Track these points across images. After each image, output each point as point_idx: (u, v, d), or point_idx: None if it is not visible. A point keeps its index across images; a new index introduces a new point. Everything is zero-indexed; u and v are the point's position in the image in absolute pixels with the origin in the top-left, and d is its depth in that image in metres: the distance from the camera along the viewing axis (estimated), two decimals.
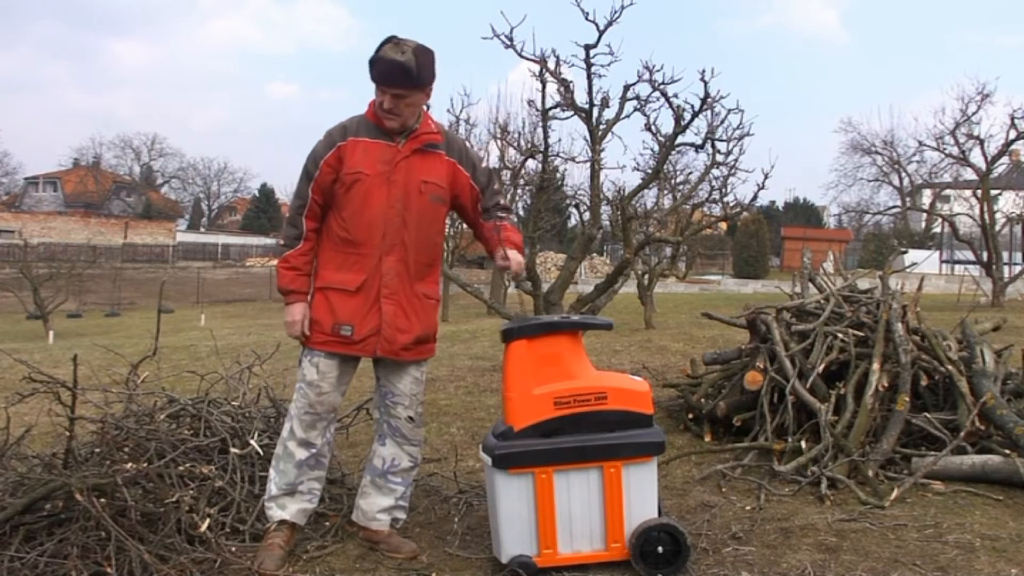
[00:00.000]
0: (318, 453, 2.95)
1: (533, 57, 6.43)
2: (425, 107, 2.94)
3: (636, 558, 2.68)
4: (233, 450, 3.27)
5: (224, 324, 16.52)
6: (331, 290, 2.89)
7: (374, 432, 3.14)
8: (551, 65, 6.46)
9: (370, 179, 2.83)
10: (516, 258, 2.93)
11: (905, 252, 23.58)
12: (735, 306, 10.01)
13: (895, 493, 3.40)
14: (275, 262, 3.07)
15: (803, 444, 3.90)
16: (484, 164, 3.11)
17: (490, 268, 22.29)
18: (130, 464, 2.93)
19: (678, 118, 6.73)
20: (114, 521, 2.61)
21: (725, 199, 9.15)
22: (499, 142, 10.83)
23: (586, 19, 6.17)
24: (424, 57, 2.76)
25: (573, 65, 6.49)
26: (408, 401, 2.98)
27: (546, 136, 7.14)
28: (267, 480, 2.99)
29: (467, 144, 3.09)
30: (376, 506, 3.01)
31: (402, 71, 2.72)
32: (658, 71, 6.52)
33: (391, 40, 2.75)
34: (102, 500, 2.64)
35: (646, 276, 12.72)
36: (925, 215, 28.88)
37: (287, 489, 2.92)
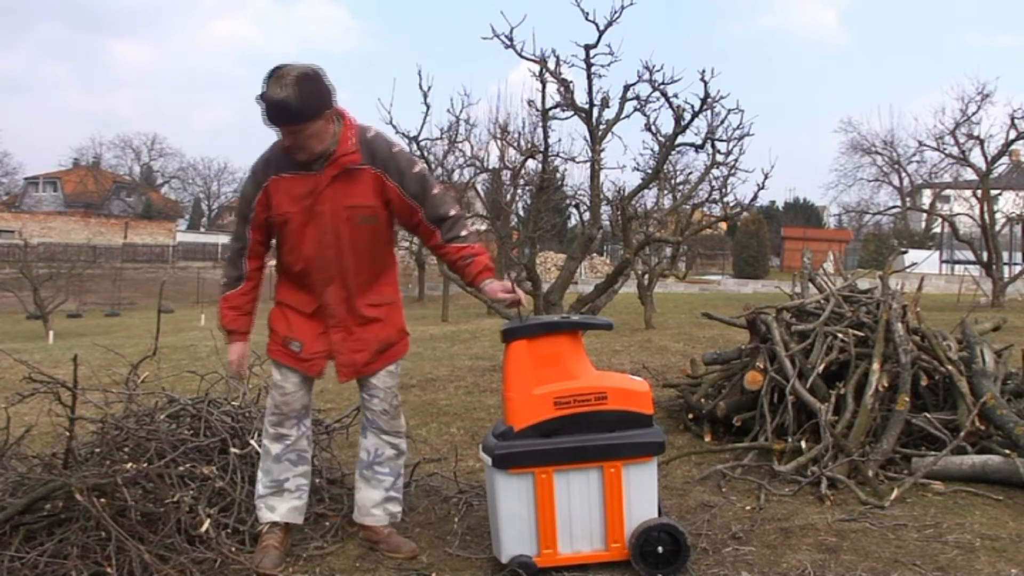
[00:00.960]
0: (294, 447, 2.94)
1: (533, 57, 6.44)
2: (338, 121, 2.74)
3: (636, 558, 2.68)
4: (233, 450, 3.27)
5: None
6: (288, 307, 2.94)
7: (360, 427, 3.16)
8: (551, 65, 6.48)
9: (297, 216, 2.77)
10: (507, 295, 2.81)
11: (905, 252, 23.58)
12: (735, 306, 10.00)
13: (895, 493, 3.40)
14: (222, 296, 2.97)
15: (803, 444, 3.90)
16: (417, 169, 2.82)
17: None
18: (130, 464, 2.93)
19: (678, 118, 6.74)
20: (114, 521, 2.61)
21: (725, 199, 9.17)
22: (499, 142, 10.82)
23: (586, 19, 6.19)
24: (306, 86, 2.56)
25: (573, 65, 6.51)
26: (382, 395, 2.97)
27: (546, 136, 7.15)
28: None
29: (395, 150, 2.80)
30: (368, 499, 3.01)
31: (284, 109, 2.55)
32: (658, 71, 6.54)
33: (274, 73, 2.57)
34: (102, 500, 2.64)
35: (646, 276, 12.72)
36: (925, 215, 28.87)
37: (273, 488, 2.92)
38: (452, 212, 2.85)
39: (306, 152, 2.68)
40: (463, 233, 2.84)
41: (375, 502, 3.01)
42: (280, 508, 2.91)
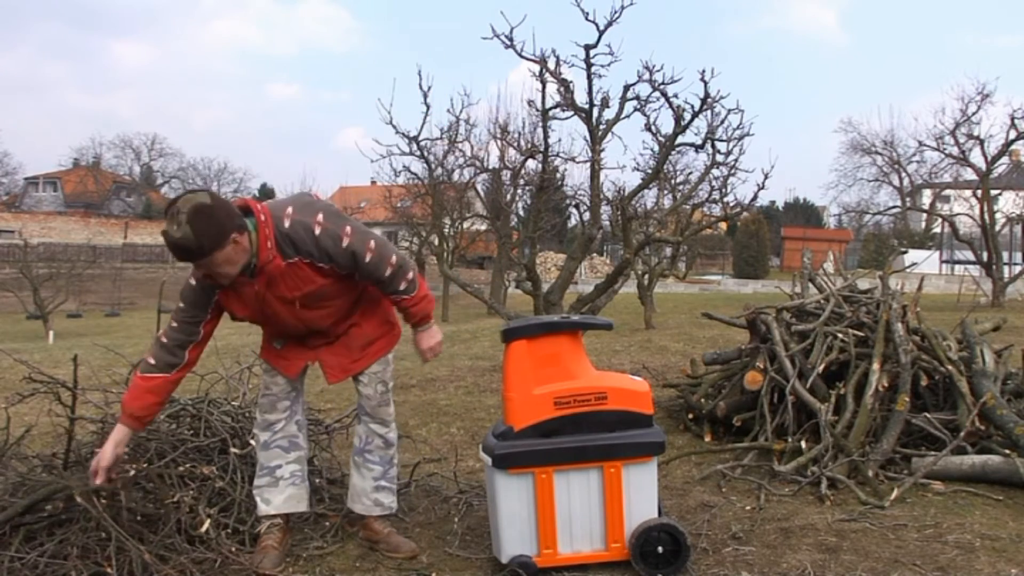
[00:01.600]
0: (283, 432, 2.95)
1: (533, 57, 6.45)
2: (252, 226, 2.58)
3: (636, 558, 2.68)
4: (233, 450, 3.27)
5: (224, 324, 16.46)
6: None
7: None
8: (551, 65, 6.49)
9: (253, 315, 2.77)
10: (432, 353, 3.01)
11: (905, 252, 23.59)
12: (735, 306, 10.01)
13: (895, 493, 3.40)
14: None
15: (803, 444, 3.90)
16: (345, 244, 2.65)
17: (490, 268, 22.30)
18: (130, 465, 2.93)
19: (678, 118, 6.75)
20: (114, 521, 2.61)
21: (725, 199, 9.17)
22: (499, 142, 10.84)
23: (586, 19, 6.20)
24: (201, 220, 2.42)
25: (573, 65, 6.52)
26: (368, 379, 2.97)
27: (546, 136, 7.16)
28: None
29: (317, 233, 2.61)
30: (358, 487, 3.02)
31: (183, 249, 2.45)
32: (658, 71, 6.55)
33: (167, 210, 2.48)
34: (102, 500, 2.64)
35: (646, 276, 12.72)
36: (925, 215, 28.86)
37: (267, 477, 2.92)
38: (386, 274, 2.75)
39: (225, 278, 2.58)
40: (401, 287, 2.82)
41: (364, 491, 3.01)
42: (275, 500, 2.90)
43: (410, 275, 2.83)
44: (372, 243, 2.71)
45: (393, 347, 3.05)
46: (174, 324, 2.72)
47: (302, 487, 2.97)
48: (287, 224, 2.62)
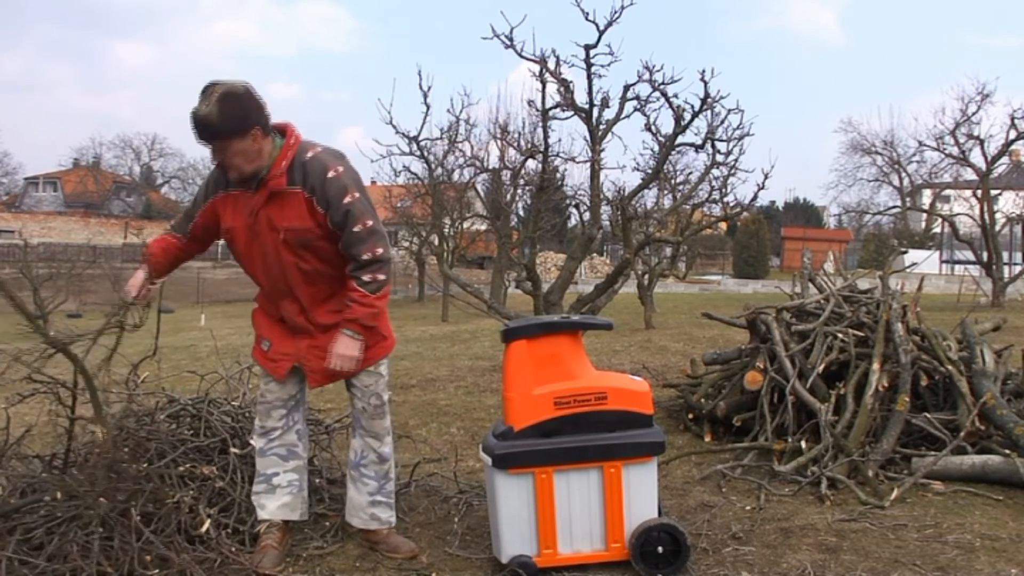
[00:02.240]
0: (281, 440, 2.93)
1: (533, 57, 6.44)
2: (279, 139, 2.71)
3: (636, 558, 2.68)
4: (233, 450, 3.26)
5: (224, 324, 16.49)
6: (261, 310, 3.00)
7: None
8: (551, 65, 6.47)
9: (240, 233, 2.77)
10: (340, 363, 2.76)
11: (905, 252, 23.55)
12: (735, 306, 10.01)
13: (895, 493, 3.40)
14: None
15: (803, 444, 3.90)
16: (347, 200, 2.66)
17: (490, 268, 22.31)
18: (131, 465, 2.92)
19: (678, 118, 6.74)
20: (114, 521, 2.61)
21: (725, 199, 9.15)
22: (499, 142, 10.84)
23: (586, 19, 6.19)
24: (230, 103, 2.53)
25: (573, 65, 6.50)
26: (360, 393, 2.93)
27: (546, 136, 7.15)
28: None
29: (329, 175, 2.66)
30: (354, 500, 3.00)
31: (205, 126, 2.55)
32: (658, 71, 6.53)
33: (204, 89, 2.57)
34: (102, 500, 2.64)
35: (646, 276, 12.72)
36: (925, 215, 28.85)
37: (265, 486, 2.92)
38: (365, 256, 2.70)
39: (235, 171, 2.64)
40: (365, 278, 2.71)
41: (361, 506, 2.98)
42: (270, 506, 2.90)
43: (381, 277, 2.73)
44: (370, 223, 2.70)
45: (382, 357, 2.95)
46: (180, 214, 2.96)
47: (298, 496, 2.96)
48: (308, 155, 2.69)
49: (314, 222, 2.69)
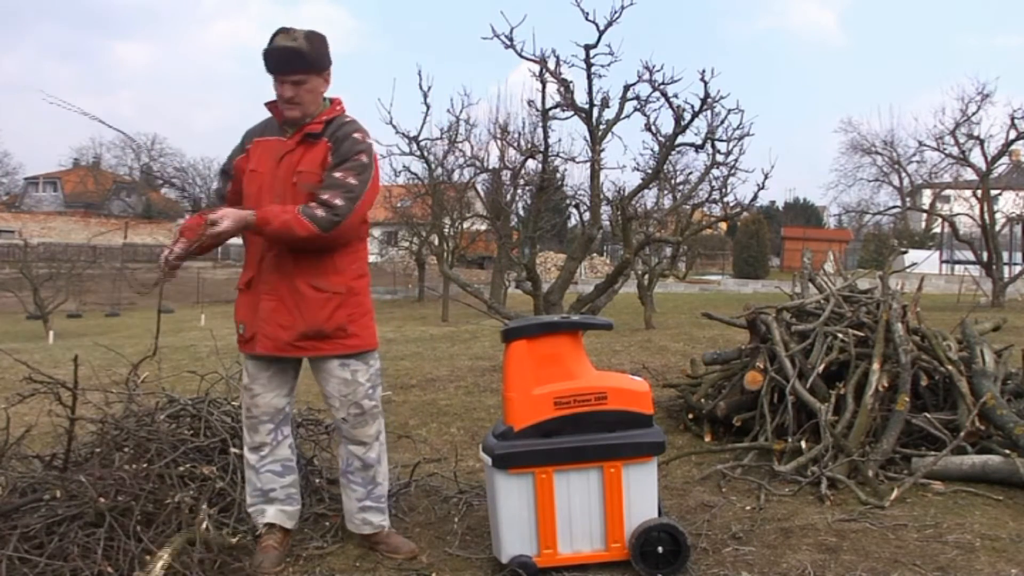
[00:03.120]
0: (273, 456, 2.88)
1: (533, 57, 6.44)
2: (327, 102, 2.86)
3: (636, 558, 2.68)
4: (233, 450, 3.26)
5: (224, 324, 16.50)
6: (239, 291, 2.91)
7: None
8: (551, 65, 6.47)
9: (260, 176, 2.79)
10: (216, 217, 2.60)
11: (905, 252, 23.55)
12: (735, 306, 10.01)
13: (895, 493, 3.40)
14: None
15: (803, 444, 3.90)
16: (351, 162, 2.72)
17: (490, 268, 22.30)
18: (131, 465, 2.93)
19: (678, 118, 6.74)
20: (114, 521, 2.61)
21: (725, 199, 9.16)
22: (499, 142, 10.84)
23: (586, 19, 6.19)
24: (317, 41, 2.72)
25: (573, 65, 6.51)
26: (338, 403, 2.85)
27: (546, 136, 7.15)
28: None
29: (354, 135, 2.76)
30: (346, 506, 2.99)
31: (296, 55, 2.68)
32: (658, 71, 6.53)
33: (281, 31, 2.72)
34: (102, 500, 2.64)
35: (646, 276, 12.73)
36: (925, 215, 28.86)
37: (261, 497, 2.90)
38: (324, 196, 2.67)
39: (300, 108, 2.75)
40: (315, 208, 2.64)
41: (352, 512, 2.97)
42: (269, 512, 2.89)
43: (320, 217, 2.62)
44: (352, 180, 2.69)
45: (353, 352, 2.81)
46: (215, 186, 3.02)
47: (294, 507, 2.95)
48: (347, 119, 2.84)
49: (324, 171, 2.76)
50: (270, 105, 2.85)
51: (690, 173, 12.18)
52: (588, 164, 7.07)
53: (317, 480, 3.47)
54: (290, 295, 2.75)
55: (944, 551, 2.86)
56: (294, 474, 2.96)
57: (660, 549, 2.68)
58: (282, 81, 2.72)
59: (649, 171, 7.85)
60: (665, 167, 8.27)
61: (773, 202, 47.98)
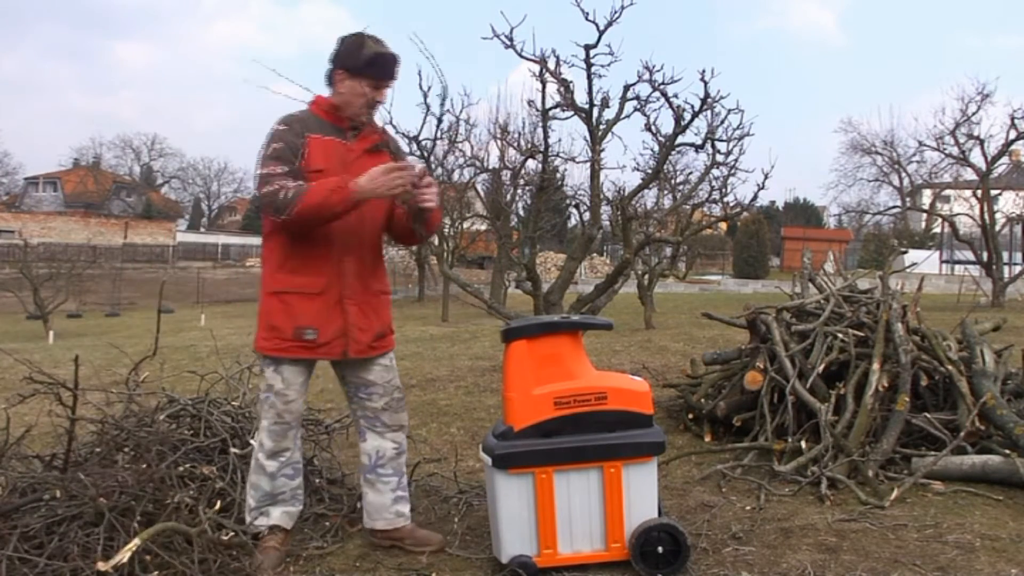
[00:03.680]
0: (290, 460, 2.90)
1: (533, 57, 6.43)
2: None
3: (636, 558, 2.68)
4: (233, 450, 3.27)
5: (224, 324, 16.50)
6: (290, 294, 2.78)
7: (357, 432, 3.09)
8: (551, 65, 6.46)
9: (328, 167, 2.77)
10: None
11: (905, 252, 23.55)
12: (735, 306, 10.01)
13: (895, 493, 3.40)
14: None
15: (803, 444, 3.90)
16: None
17: (490, 268, 22.29)
18: (130, 465, 2.93)
19: (678, 118, 6.73)
20: (115, 521, 2.61)
21: (725, 199, 9.15)
22: (499, 142, 10.83)
23: (586, 19, 6.17)
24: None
25: (573, 65, 6.49)
26: (382, 390, 2.95)
27: (546, 136, 7.14)
28: (246, 492, 2.95)
29: (403, 150, 3.13)
30: (375, 503, 2.99)
31: (397, 63, 2.87)
32: (658, 71, 6.52)
33: (368, 37, 2.81)
34: (102, 500, 2.64)
35: (646, 276, 12.72)
36: (925, 215, 28.87)
37: (268, 500, 2.89)
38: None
39: (374, 111, 2.90)
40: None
41: (384, 506, 2.98)
42: (274, 513, 2.89)
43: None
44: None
45: (392, 349, 3.04)
46: (283, 179, 2.68)
47: (297, 508, 2.96)
48: (383, 125, 3.05)
49: None
50: (319, 102, 2.87)
51: (690, 173, 12.19)
52: (588, 164, 7.06)
53: (317, 480, 3.47)
54: (366, 300, 2.90)
55: (944, 551, 2.86)
56: (301, 476, 2.98)
57: (660, 549, 2.68)
58: (385, 86, 2.87)
59: (649, 171, 7.84)
60: (665, 167, 8.26)
61: (773, 202, 48.06)
